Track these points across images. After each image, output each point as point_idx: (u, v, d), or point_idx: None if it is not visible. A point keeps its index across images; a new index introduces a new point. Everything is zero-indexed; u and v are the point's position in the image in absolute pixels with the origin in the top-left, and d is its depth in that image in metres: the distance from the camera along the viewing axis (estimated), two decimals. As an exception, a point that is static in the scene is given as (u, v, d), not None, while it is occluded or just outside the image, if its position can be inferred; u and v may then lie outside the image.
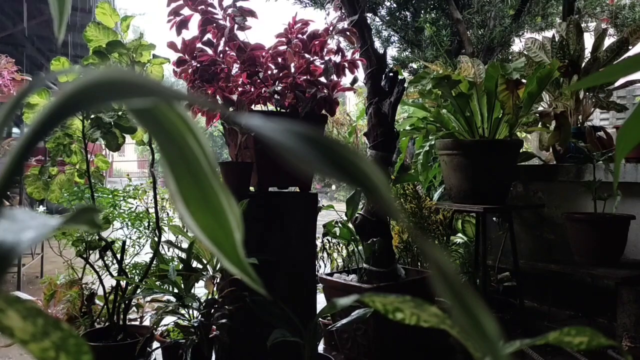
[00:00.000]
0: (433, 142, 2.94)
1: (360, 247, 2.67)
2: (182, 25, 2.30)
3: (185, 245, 2.26)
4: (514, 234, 2.82)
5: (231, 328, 2.06)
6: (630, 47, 3.23)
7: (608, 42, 3.31)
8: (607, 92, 3.28)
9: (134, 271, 2.48)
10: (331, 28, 2.43)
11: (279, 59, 2.35)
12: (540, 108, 3.12)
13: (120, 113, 2.30)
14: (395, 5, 5.48)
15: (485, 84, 2.72)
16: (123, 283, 2.38)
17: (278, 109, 2.34)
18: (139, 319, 2.68)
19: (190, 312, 2.10)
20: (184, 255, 2.18)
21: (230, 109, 2.25)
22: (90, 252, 2.37)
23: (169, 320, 2.29)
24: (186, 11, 2.29)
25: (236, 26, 2.29)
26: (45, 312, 0.34)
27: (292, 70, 2.37)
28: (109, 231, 2.50)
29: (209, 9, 2.29)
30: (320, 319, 1.97)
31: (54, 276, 2.75)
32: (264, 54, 2.33)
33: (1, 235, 0.28)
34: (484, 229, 2.76)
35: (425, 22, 4.98)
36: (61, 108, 0.31)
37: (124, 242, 2.45)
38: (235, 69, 2.37)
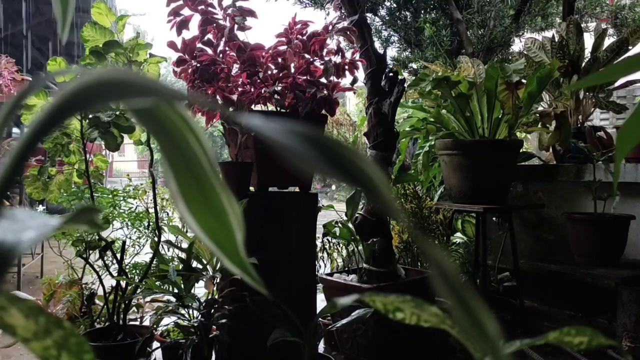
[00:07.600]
0: (433, 143, 2.94)
1: (360, 247, 2.67)
2: (182, 25, 2.30)
3: (185, 245, 2.26)
4: (514, 234, 2.82)
5: (231, 328, 2.06)
6: (630, 47, 3.23)
7: (608, 42, 3.31)
8: (607, 92, 3.27)
9: (134, 271, 2.48)
10: (331, 28, 2.43)
11: (279, 59, 2.35)
12: (540, 108, 3.13)
13: (118, 113, 2.30)
14: (395, 5, 5.48)
15: (485, 84, 2.72)
16: (123, 283, 2.38)
17: (278, 109, 2.34)
18: (139, 319, 2.67)
19: (190, 312, 2.10)
20: (184, 255, 2.18)
21: (230, 109, 2.25)
22: (90, 252, 2.37)
23: (169, 320, 2.29)
24: (186, 11, 2.29)
25: (236, 26, 2.29)
26: (46, 311, 0.34)
27: (292, 70, 2.37)
28: (109, 231, 2.50)
29: (209, 9, 2.29)
30: (320, 319, 1.97)
31: (53, 276, 2.75)
32: (264, 54, 2.33)
33: (1, 235, 0.28)
34: (484, 229, 2.76)
35: (425, 22, 4.98)
36: (61, 108, 0.31)
37: (123, 242, 2.45)
38: (235, 69, 2.37)
